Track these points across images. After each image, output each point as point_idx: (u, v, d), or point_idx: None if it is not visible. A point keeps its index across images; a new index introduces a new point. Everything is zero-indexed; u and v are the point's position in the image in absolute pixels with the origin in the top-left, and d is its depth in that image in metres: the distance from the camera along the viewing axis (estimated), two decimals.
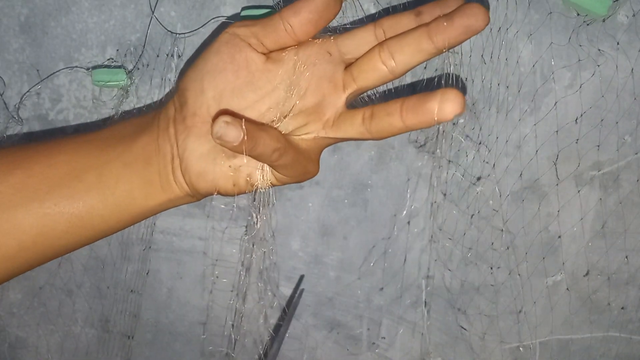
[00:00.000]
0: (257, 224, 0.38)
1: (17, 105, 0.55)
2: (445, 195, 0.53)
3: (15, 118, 0.55)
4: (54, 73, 0.54)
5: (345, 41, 0.34)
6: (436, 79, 0.50)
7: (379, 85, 0.34)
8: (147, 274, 0.58)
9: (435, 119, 0.30)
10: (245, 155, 0.30)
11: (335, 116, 0.34)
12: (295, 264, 0.57)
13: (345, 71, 0.34)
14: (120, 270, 0.58)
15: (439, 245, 0.55)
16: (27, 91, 0.54)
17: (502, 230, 0.53)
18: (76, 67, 0.53)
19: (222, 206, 0.55)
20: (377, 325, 0.58)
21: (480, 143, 0.52)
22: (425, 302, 0.56)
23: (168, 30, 0.52)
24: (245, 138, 0.29)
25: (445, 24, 0.30)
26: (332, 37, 0.35)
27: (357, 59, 0.34)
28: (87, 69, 0.53)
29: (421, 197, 0.54)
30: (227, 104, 0.33)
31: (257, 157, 0.32)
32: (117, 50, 0.53)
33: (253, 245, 0.45)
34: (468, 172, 0.52)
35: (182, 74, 0.41)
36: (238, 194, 0.35)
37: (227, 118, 0.28)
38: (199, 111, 0.33)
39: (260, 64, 0.34)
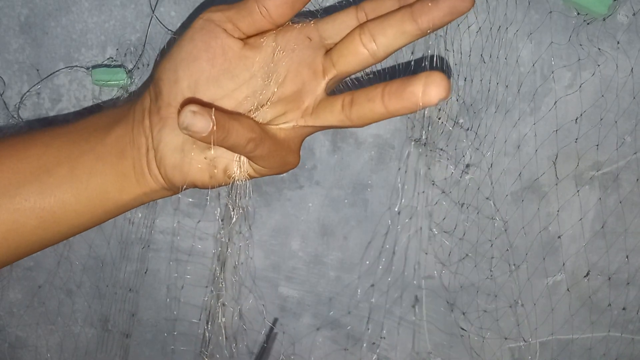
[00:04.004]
0: (233, 217, 0.37)
1: (17, 105, 0.55)
2: (434, 183, 0.53)
3: (15, 118, 0.55)
4: (54, 73, 0.54)
5: (325, 25, 0.33)
6: (417, 63, 0.50)
7: (360, 70, 0.33)
8: (145, 273, 0.58)
9: (420, 103, 0.29)
10: (217, 146, 0.29)
11: (314, 104, 0.33)
12: (295, 264, 0.57)
13: (325, 56, 0.33)
14: (119, 269, 0.58)
15: (438, 245, 0.55)
16: (27, 91, 0.54)
17: (494, 219, 0.53)
18: (76, 66, 0.53)
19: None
20: (377, 325, 0.58)
21: (468, 129, 0.51)
22: (425, 301, 0.56)
23: (168, 30, 0.52)
24: (215, 128, 0.28)
25: (429, 4, 0.29)
26: (312, 22, 0.33)
27: (337, 43, 0.33)
28: (87, 68, 0.53)
29: (419, 196, 0.54)
30: (203, 94, 0.32)
31: (231, 148, 0.31)
32: (117, 49, 0.53)
33: (228, 240, 0.44)
34: (459, 160, 0.52)
35: (158, 63, 0.40)
36: (215, 187, 0.34)
37: (193, 107, 0.27)
38: (174, 102, 0.32)
39: (237, 50, 0.32)
